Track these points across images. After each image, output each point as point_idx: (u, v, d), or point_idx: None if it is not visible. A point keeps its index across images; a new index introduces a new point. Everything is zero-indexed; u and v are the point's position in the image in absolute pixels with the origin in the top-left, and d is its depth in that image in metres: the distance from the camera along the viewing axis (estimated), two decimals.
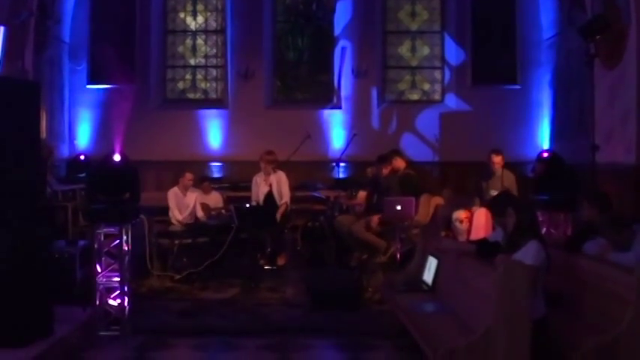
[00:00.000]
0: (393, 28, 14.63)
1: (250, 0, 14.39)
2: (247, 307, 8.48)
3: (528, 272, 5.05)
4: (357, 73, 14.13)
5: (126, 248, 7.27)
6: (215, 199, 11.24)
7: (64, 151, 13.85)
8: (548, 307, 5.44)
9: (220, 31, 14.70)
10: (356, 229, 9.85)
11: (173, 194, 10.51)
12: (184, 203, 10.51)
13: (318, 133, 13.69)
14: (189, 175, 10.57)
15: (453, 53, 14.23)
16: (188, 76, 14.84)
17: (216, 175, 13.83)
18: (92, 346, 6.94)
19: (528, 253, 5.36)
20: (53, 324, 6.64)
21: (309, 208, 12.00)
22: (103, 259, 7.29)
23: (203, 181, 11.47)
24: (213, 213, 10.84)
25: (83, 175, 11.74)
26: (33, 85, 7.41)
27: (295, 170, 11.71)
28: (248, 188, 11.36)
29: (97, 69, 14.30)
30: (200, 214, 10.61)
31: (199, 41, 14.82)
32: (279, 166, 10.91)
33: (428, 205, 9.99)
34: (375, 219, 9.73)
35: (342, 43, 14.31)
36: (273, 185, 10.63)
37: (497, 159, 9.95)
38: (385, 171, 10.20)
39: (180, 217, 10.39)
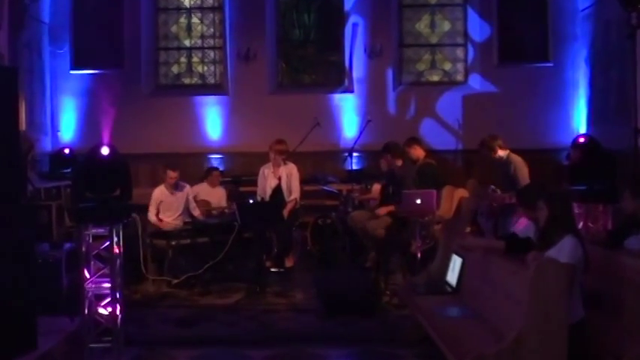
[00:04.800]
0: (409, 2, 14.56)
1: None
2: (252, 313, 8.54)
3: (564, 271, 5.05)
4: (371, 53, 14.09)
5: (117, 251, 7.27)
6: (219, 194, 11.23)
7: (47, 145, 13.88)
8: (587, 310, 5.43)
9: (218, 8, 14.69)
10: (371, 226, 9.86)
11: (159, 193, 10.49)
12: (173, 202, 10.49)
13: (328, 120, 13.68)
14: (171, 174, 10.41)
15: (477, 28, 14.18)
16: (183, 59, 14.84)
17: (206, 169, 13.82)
18: None
19: (563, 250, 5.36)
20: (36, 337, 6.67)
21: (319, 204, 12.02)
22: (92, 263, 7.29)
23: (211, 171, 11.45)
24: (214, 212, 10.83)
25: (68, 170, 11.80)
26: (9, 71, 7.43)
27: (303, 162, 11.72)
28: (251, 182, 11.38)
29: (81, 52, 14.31)
30: (197, 212, 10.60)
31: (195, 20, 14.81)
32: (288, 157, 10.92)
33: (451, 197, 9.98)
34: (382, 210, 9.79)
35: (353, 19, 14.27)
36: (283, 178, 10.64)
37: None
38: (398, 162, 10.19)
39: (168, 219, 10.41)
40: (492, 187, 9.28)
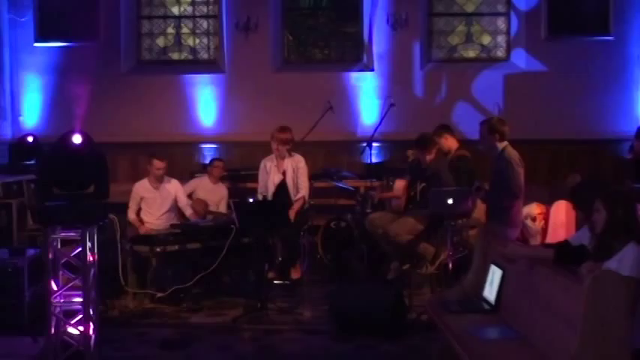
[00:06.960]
0: None
1: None
2: (252, 334, 8.57)
3: (625, 286, 5.02)
4: (395, 23, 14.09)
5: (91, 259, 7.28)
6: (220, 194, 11.25)
7: (6, 132, 13.95)
8: None
9: None
10: (394, 231, 9.86)
11: (141, 187, 10.52)
12: (157, 198, 10.51)
13: (343, 104, 13.69)
14: (157, 163, 10.47)
15: None
16: (170, 30, 14.87)
17: (209, 160, 13.86)
18: None
19: (625, 261, 5.33)
20: None
21: (332, 204, 12.05)
22: (61, 273, 7.31)
23: (213, 162, 11.53)
24: (209, 217, 10.83)
25: (32, 162, 11.84)
26: None
27: (313, 153, 11.75)
28: (251, 178, 11.41)
29: (47, 21, 14.34)
30: (189, 211, 10.62)
31: None
32: (296, 148, 10.92)
33: None
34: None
35: None
36: (288, 173, 10.63)
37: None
38: (429, 156, 10.17)
39: (151, 219, 10.44)
40: (477, 184, 8.92)
